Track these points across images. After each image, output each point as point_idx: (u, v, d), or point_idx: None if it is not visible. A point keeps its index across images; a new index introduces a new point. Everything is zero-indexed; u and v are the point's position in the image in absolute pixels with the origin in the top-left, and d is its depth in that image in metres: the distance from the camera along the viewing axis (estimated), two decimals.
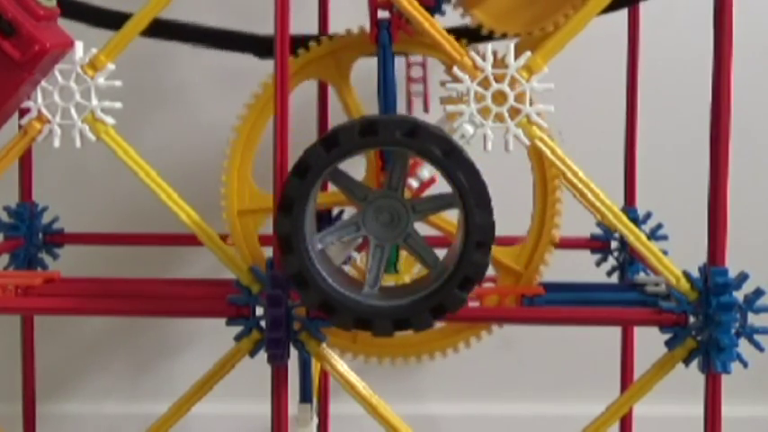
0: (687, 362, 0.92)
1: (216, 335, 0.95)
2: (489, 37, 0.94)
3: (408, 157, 0.87)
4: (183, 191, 0.93)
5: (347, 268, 1.03)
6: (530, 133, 0.89)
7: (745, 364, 0.89)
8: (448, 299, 0.86)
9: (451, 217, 0.96)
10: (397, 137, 0.84)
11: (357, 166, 0.95)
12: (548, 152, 0.90)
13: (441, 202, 0.88)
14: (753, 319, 0.90)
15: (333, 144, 0.85)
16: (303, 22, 1.02)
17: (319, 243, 0.87)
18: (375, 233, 0.88)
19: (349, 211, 1.11)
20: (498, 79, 0.89)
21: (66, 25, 0.93)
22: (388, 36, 0.96)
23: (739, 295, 0.90)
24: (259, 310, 0.92)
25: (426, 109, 1.05)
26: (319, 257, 0.86)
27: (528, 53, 0.89)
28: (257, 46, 1.07)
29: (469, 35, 0.96)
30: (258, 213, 0.98)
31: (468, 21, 0.95)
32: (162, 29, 1.03)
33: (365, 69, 1.01)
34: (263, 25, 0.99)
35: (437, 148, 0.84)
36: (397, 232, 0.88)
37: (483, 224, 0.84)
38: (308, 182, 0.85)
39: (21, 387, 1.18)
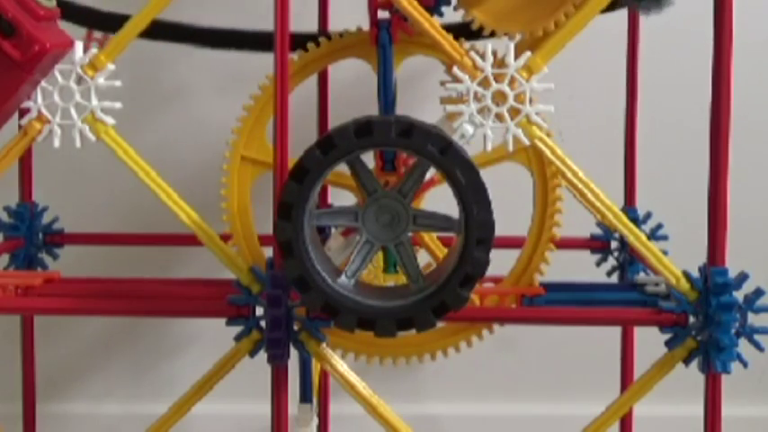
0: (687, 362, 0.92)
1: (216, 335, 0.95)
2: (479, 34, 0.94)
3: (428, 169, 0.87)
4: (183, 191, 0.93)
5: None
6: (530, 133, 0.89)
7: (745, 364, 0.89)
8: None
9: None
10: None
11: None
12: (548, 152, 0.90)
13: (442, 224, 0.87)
14: (753, 319, 0.90)
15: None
16: (303, 22, 1.02)
17: (315, 220, 0.87)
18: (370, 229, 0.87)
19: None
20: (498, 79, 0.89)
21: (66, 25, 0.93)
22: (388, 36, 0.96)
23: (739, 295, 0.90)
24: (259, 311, 0.92)
25: None
26: (320, 259, 0.86)
27: (528, 53, 0.89)
28: (259, 42, 1.07)
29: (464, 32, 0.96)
30: (260, 165, 0.98)
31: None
32: (161, 30, 1.03)
33: (365, 69, 1.01)
34: (264, 25, 0.99)
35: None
36: (391, 235, 0.87)
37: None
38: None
39: (21, 387, 1.18)
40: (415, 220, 0.87)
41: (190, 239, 0.97)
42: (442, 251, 1.02)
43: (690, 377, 0.92)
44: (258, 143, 0.99)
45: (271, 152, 0.89)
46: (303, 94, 1.03)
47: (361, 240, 0.87)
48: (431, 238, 1.03)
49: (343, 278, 0.87)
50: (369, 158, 0.94)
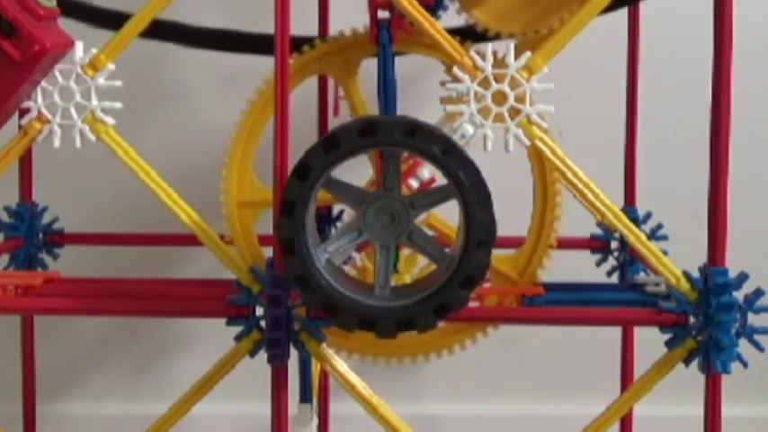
0: (687, 362, 0.91)
1: (216, 335, 0.95)
2: (487, 36, 0.94)
3: (401, 156, 0.87)
4: (183, 191, 0.93)
5: (347, 268, 1.03)
6: (530, 133, 0.89)
7: (745, 364, 0.89)
8: (451, 298, 0.85)
9: (450, 219, 0.96)
10: (397, 137, 0.84)
11: (359, 169, 0.95)
12: (548, 152, 0.90)
13: (438, 196, 0.87)
14: (753, 319, 0.90)
15: (332, 146, 0.85)
16: (303, 22, 1.02)
17: (325, 253, 0.87)
18: (377, 235, 0.87)
19: (349, 211, 1.11)
20: (498, 79, 0.89)
21: (66, 25, 0.93)
22: (388, 36, 0.96)
23: (739, 295, 0.90)
24: (259, 311, 0.92)
25: None
26: (321, 259, 0.86)
27: (528, 53, 0.89)
28: (257, 45, 1.07)
29: (470, 35, 0.96)
30: (258, 206, 0.98)
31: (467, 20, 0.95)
32: (161, 30, 1.03)
33: (365, 69, 1.01)
34: (264, 26, 0.99)
35: (436, 148, 0.84)
36: (399, 231, 0.87)
37: (484, 222, 0.84)
38: (308, 184, 0.85)
39: (21, 387, 1.18)
40: (413, 205, 0.87)
41: (190, 239, 0.97)
42: (451, 229, 1.02)
43: (690, 377, 0.92)
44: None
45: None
46: (303, 95, 1.03)
47: (377, 249, 0.87)
48: (435, 218, 1.03)
49: (377, 291, 0.87)
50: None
